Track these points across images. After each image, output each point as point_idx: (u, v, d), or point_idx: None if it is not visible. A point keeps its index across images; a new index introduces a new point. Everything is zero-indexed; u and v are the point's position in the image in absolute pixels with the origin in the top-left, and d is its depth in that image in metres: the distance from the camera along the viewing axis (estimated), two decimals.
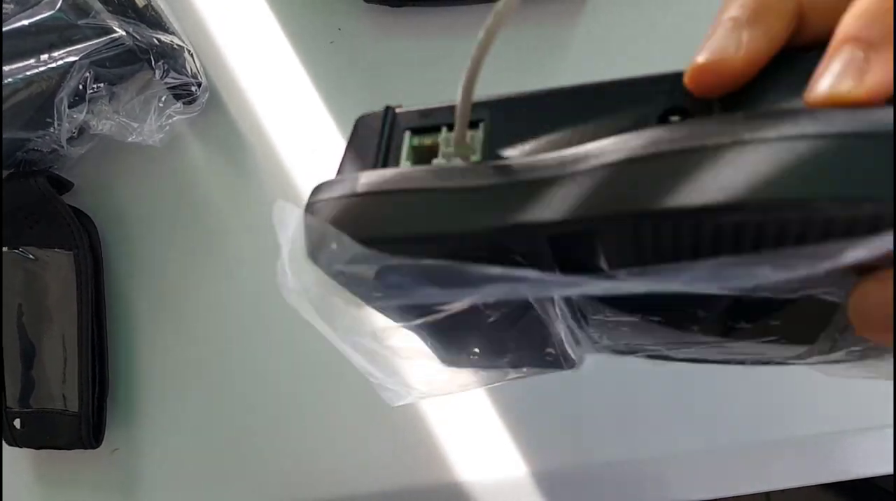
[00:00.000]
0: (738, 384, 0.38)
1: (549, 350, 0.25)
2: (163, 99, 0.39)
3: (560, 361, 0.26)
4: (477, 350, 0.26)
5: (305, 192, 0.41)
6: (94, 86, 0.37)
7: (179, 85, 0.39)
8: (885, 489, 0.76)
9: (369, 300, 0.21)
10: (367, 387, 0.41)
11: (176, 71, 0.38)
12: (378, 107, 0.21)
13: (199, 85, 0.39)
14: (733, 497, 0.42)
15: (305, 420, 0.42)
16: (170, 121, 0.40)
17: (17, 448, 0.41)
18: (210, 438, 0.42)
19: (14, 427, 0.40)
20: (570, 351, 0.25)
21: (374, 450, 0.42)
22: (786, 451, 0.42)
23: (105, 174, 0.42)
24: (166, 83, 0.39)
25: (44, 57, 0.35)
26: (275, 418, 0.42)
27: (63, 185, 0.40)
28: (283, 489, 0.42)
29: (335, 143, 0.42)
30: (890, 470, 0.43)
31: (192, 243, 0.43)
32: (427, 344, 0.25)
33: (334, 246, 0.19)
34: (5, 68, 0.34)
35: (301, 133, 0.43)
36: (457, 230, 0.17)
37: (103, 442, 0.41)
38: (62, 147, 0.37)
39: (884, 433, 0.42)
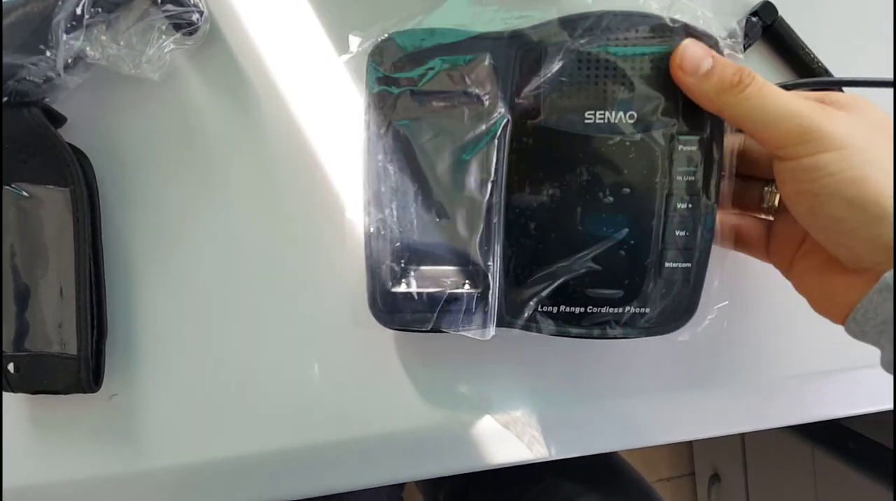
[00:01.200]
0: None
1: None
2: (162, 29, 0.37)
3: None
4: None
5: (307, 127, 0.40)
6: (92, 10, 0.34)
7: (179, 13, 0.36)
8: (852, 429, 0.80)
9: None
10: (365, 335, 0.41)
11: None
12: None
13: (200, 13, 0.37)
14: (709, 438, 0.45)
15: (304, 365, 0.42)
16: (168, 53, 0.38)
17: (12, 393, 0.39)
18: (210, 383, 0.42)
19: (8, 371, 0.38)
20: None
21: (369, 396, 0.43)
22: (757, 394, 0.44)
23: (100, 108, 0.39)
24: (165, 11, 0.36)
25: None
26: (274, 362, 0.42)
27: (57, 119, 0.37)
28: (282, 434, 0.42)
29: (338, 76, 0.41)
30: (856, 412, 0.46)
31: (190, 179, 0.41)
32: None
33: None
34: None
35: (303, 66, 0.41)
36: None
37: (102, 387, 0.40)
38: (58, 76, 0.34)
39: (850, 375, 0.44)
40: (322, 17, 0.40)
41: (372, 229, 0.37)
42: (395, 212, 0.37)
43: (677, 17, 0.36)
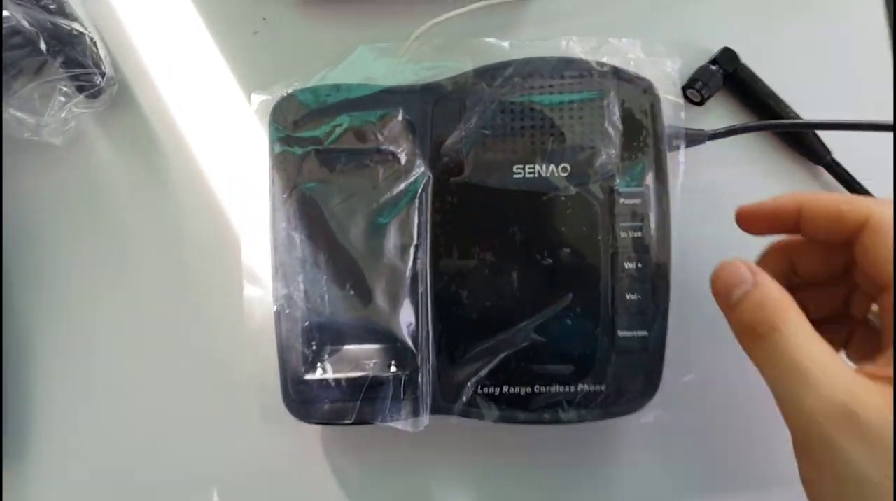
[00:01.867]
0: None
1: None
2: (64, 91, 0.35)
3: None
4: None
5: (220, 194, 0.37)
6: None
7: (81, 75, 0.34)
8: None
9: None
10: (280, 429, 0.36)
11: (76, 58, 0.34)
12: None
13: (102, 75, 0.35)
14: None
15: (212, 462, 0.37)
16: (73, 117, 0.36)
17: None
18: (108, 477, 0.37)
19: None
20: None
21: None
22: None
23: (4, 175, 0.37)
24: (67, 73, 0.34)
25: None
26: (179, 457, 0.37)
27: None
28: None
29: (247, 136, 0.38)
30: None
31: (94, 250, 0.38)
32: None
33: None
34: None
35: (219, 130, 0.38)
36: None
37: None
38: None
39: None
40: (232, 75, 0.38)
41: (277, 307, 0.33)
42: (302, 287, 0.32)
43: (605, 59, 0.33)
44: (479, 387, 0.34)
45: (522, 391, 0.34)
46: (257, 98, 0.33)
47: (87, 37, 0.34)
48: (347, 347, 0.33)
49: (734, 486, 0.37)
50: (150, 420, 0.37)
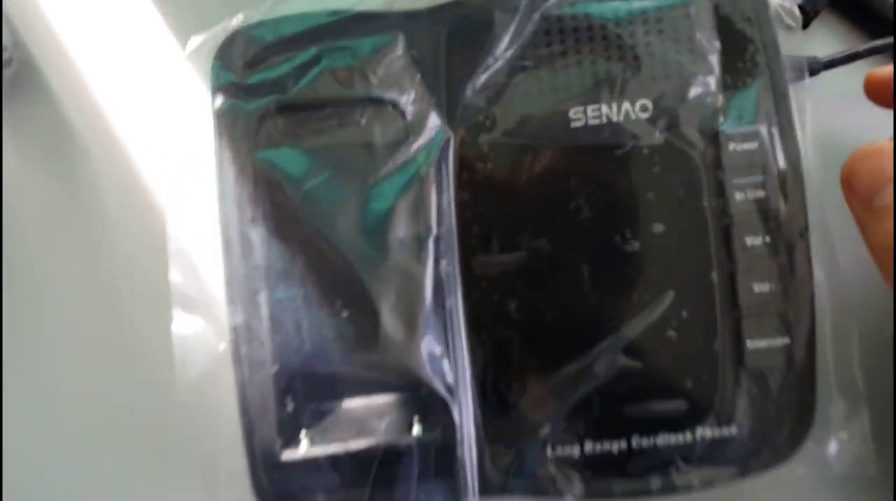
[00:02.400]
0: None
1: None
2: None
3: None
4: None
5: (151, 196, 0.26)
6: None
7: None
8: None
9: None
10: None
11: None
12: None
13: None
14: None
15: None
16: None
17: None
18: None
19: None
20: None
21: None
22: None
23: None
24: None
25: None
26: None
27: None
28: None
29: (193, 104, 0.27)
30: None
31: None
32: None
33: None
34: None
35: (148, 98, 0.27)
36: None
37: None
38: None
39: None
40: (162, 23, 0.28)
41: (232, 345, 0.21)
42: (267, 312, 0.21)
43: None
44: (550, 448, 0.22)
45: (615, 447, 0.22)
46: (195, 41, 0.22)
47: None
48: (344, 402, 0.21)
49: None
50: None
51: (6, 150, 0.27)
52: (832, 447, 0.23)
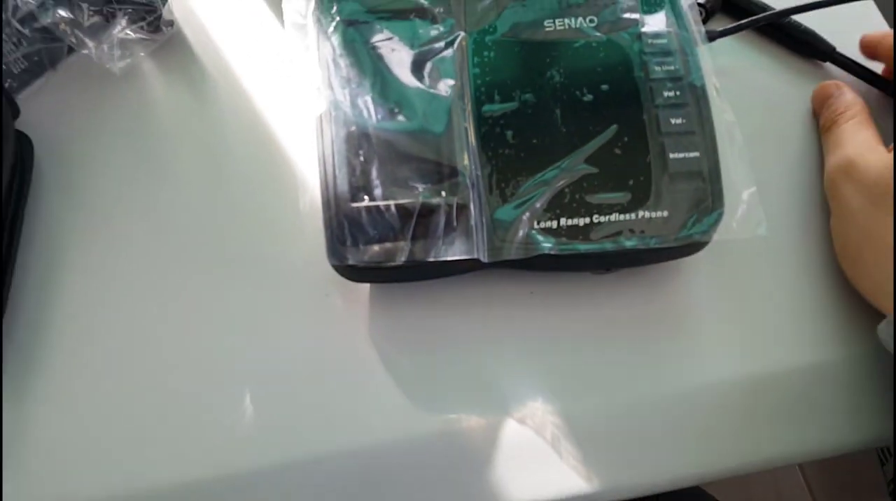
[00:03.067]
0: None
1: None
2: (126, 17, 0.38)
3: None
4: None
5: (267, 127, 0.38)
6: None
7: (144, 2, 0.38)
8: None
9: None
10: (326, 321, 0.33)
11: None
12: None
13: (161, 10, 0.39)
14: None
15: (242, 383, 0.33)
16: (130, 50, 0.39)
17: None
18: (121, 401, 0.32)
19: None
20: None
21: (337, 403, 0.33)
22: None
23: (57, 104, 0.39)
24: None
25: None
26: (215, 368, 0.33)
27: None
28: (225, 456, 0.31)
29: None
30: None
31: (138, 171, 0.37)
32: None
33: None
34: None
35: (259, 64, 0.41)
36: None
37: None
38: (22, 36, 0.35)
39: None
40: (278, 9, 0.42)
41: (324, 110, 0.32)
42: (348, 97, 0.33)
43: None
44: (536, 222, 0.32)
45: (581, 222, 0.32)
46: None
47: None
48: (396, 169, 0.32)
49: None
50: (184, 334, 0.34)
51: (159, 84, 0.40)
52: (737, 216, 0.32)
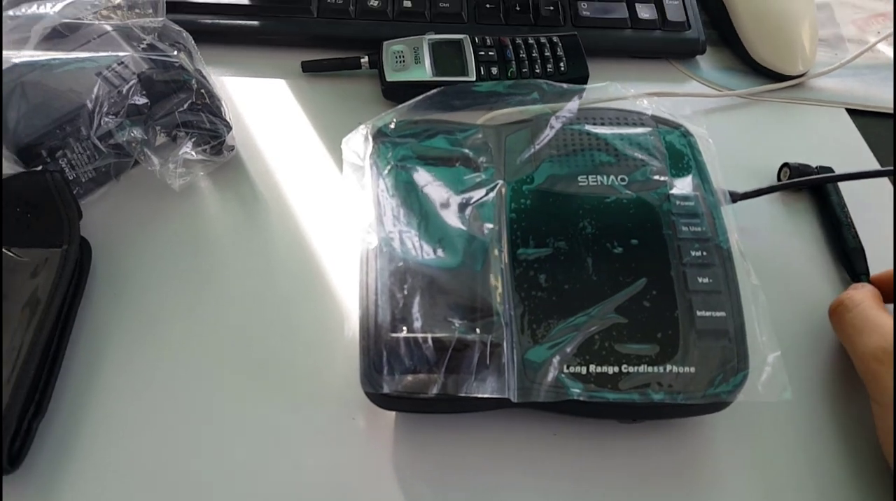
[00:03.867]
0: None
1: None
2: (192, 140, 0.41)
3: None
4: None
5: (312, 252, 0.41)
6: (138, 95, 0.39)
7: (211, 132, 0.41)
8: None
9: None
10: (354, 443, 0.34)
11: (212, 115, 0.41)
12: None
13: (228, 128, 0.42)
14: None
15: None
16: (191, 169, 0.41)
17: None
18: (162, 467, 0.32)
19: None
20: None
21: None
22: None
23: (117, 211, 0.41)
24: (201, 117, 0.41)
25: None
26: (230, 494, 0.33)
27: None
28: None
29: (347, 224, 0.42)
30: None
31: (188, 284, 0.39)
32: None
33: None
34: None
35: (311, 191, 0.44)
36: None
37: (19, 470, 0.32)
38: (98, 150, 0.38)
39: None
40: (329, 158, 0.45)
41: (376, 244, 0.35)
42: (397, 234, 0.35)
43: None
44: (566, 366, 0.33)
45: (610, 370, 0.33)
46: (352, 133, 0.40)
47: (223, 101, 0.42)
48: (434, 305, 0.33)
49: None
50: (216, 442, 0.34)
51: (214, 202, 0.43)
52: (762, 379, 0.33)
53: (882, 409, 0.34)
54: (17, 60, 0.38)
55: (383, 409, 0.34)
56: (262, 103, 0.48)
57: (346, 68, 0.48)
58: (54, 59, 0.39)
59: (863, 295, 0.37)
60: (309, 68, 0.49)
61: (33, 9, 0.41)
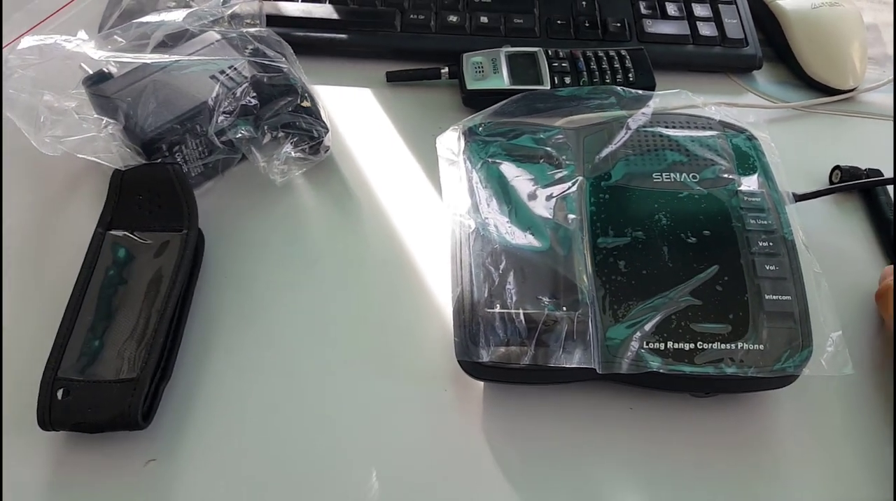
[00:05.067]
0: None
1: None
2: (294, 141, 0.45)
3: None
4: None
5: (400, 241, 0.45)
6: (250, 97, 0.43)
7: (310, 134, 0.45)
8: None
9: None
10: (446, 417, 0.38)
11: (312, 117, 0.45)
12: None
13: (325, 129, 0.46)
14: None
15: (369, 462, 0.36)
16: (291, 166, 0.45)
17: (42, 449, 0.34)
18: (265, 467, 0.35)
19: (55, 397, 0.34)
20: None
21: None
22: None
23: (225, 203, 0.45)
24: (303, 119, 0.45)
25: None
26: (342, 462, 0.36)
27: None
28: None
29: (433, 216, 0.46)
30: None
31: (288, 269, 0.43)
32: None
33: None
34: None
35: (401, 196, 0.47)
36: None
37: (149, 425, 0.36)
38: (212, 146, 0.43)
39: None
40: (425, 170, 0.49)
41: (474, 227, 0.38)
42: (492, 220, 0.38)
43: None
44: (645, 343, 0.36)
45: (686, 347, 0.36)
46: (445, 133, 0.43)
47: (322, 107, 0.46)
48: (527, 285, 0.37)
49: None
50: (315, 416, 0.38)
51: (311, 197, 0.47)
52: (825, 355, 0.36)
53: None
54: (147, 60, 0.42)
55: (476, 379, 0.37)
56: (351, 109, 0.52)
57: (427, 78, 0.52)
58: (177, 61, 0.43)
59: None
60: (393, 78, 0.53)
61: (152, 18, 0.46)
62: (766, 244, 0.39)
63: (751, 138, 0.44)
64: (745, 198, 0.40)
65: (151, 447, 0.35)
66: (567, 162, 0.42)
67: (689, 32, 0.55)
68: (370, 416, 0.37)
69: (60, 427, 0.34)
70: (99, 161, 0.43)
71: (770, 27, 0.59)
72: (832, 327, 0.36)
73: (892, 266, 0.42)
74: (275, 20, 0.53)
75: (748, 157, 0.43)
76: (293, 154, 0.45)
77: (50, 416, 0.34)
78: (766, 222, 0.40)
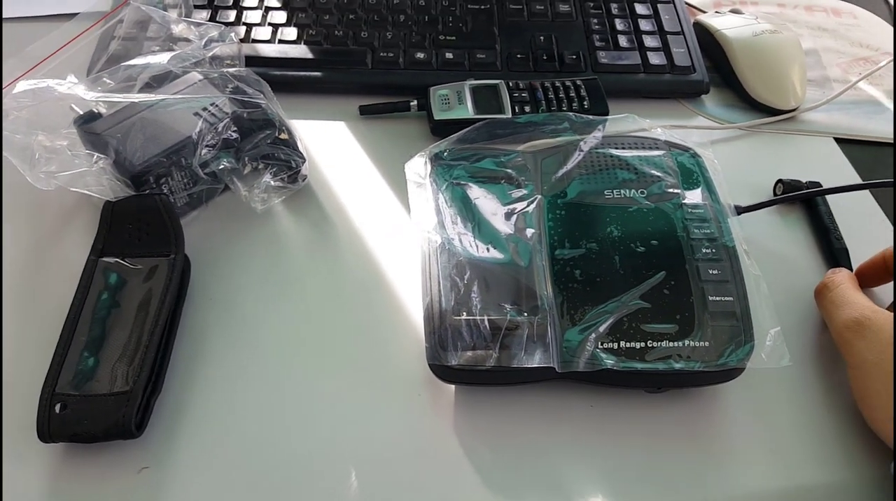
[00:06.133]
0: None
1: None
2: (273, 171, 0.48)
3: None
4: None
5: (374, 260, 0.49)
6: (231, 131, 0.46)
7: (288, 164, 0.48)
8: None
9: None
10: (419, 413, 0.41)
11: (290, 149, 0.49)
12: None
13: (302, 160, 0.49)
14: None
15: (347, 461, 0.39)
16: (271, 194, 0.48)
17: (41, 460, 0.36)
18: (248, 476, 0.38)
19: (54, 411, 0.36)
20: None
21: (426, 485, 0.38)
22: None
23: (208, 230, 0.48)
24: (281, 150, 0.48)
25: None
26: (324, 464, 0.39)
27: None
28: None
29: (403, 235, 0.49)
30: None
31: (269, 289, 0.46)
32: None
33: None
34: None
35: (374, 220, 0.50)
36: None
37: (141, 434, 0.38)
38: (196, 177, 0.46)
39: None
40: (398, 195, 0.52)
41: (438, 245, 0.42)
42: (457, 236, 0.42)
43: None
44: (600, 343, 0.39)
45: (638, 345, 0.39)
46: (413, 159, 0.47)
47: (299, 139, 0.50)
48: (489, 292, 0.40)
49: None
50: (299, 424, 0.40)
51: (290, 222, 0.50)
52: (765, 350, 0.39)
53: (854, 371, 0.40)
54: (134, 99, 0.46)
55: (446, 382, 0.40)
56: (326, 141, 0.55)
57: (398, 111, 0.56)
58: (163, 100, 0.47)
59: (841, 278, 0.44)
60: (365, 111, 0.57)
61: (138, 61, 0.49)
62: (708, 251, 0.42)
63: (695, 156, 0.48)
64: (689, 210, 0.44)
65: (144, 455, 0.38)
66: (526, 182, 0.46)
67: (640, 62, 0.60)
68: (351, 421, 0.40)
69: (59, 439, 0.36)
70: (90, 194, 0.46)
71: (716, 54, 0.64)
72: (771, 324, 0.40)
73: (834, 269, 0.46)
74: (253, 60, 0.57)
75: (692, 173, 0.47)
76: (273, 183, 0.48)
77: (49, 429, 0.36)
78: (708, 231, 0.43)
